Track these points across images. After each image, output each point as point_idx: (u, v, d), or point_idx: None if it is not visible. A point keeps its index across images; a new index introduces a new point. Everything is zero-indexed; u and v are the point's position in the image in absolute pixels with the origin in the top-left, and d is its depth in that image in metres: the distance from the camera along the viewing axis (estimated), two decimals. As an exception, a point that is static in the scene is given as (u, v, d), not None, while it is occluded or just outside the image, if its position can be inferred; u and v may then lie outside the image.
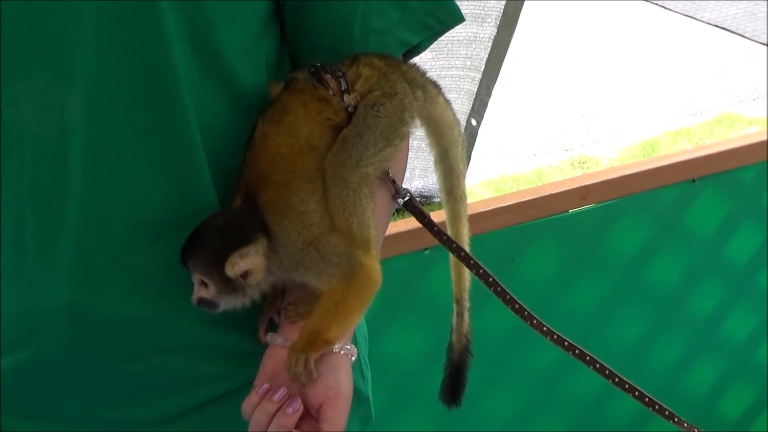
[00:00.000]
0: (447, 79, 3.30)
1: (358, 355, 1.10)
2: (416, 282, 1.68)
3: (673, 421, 1.03)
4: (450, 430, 1.82)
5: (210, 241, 0.89)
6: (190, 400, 1.01)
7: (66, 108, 0.88)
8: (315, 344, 0.92)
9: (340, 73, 0.94)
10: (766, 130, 2.14)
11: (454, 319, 1.08)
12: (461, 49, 3.27)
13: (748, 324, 2.18)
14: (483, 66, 3.31)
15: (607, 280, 1.95)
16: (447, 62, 3.29)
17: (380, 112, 0.94)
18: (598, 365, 1.00)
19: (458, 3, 1.03)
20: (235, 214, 0.92)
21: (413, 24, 1.00)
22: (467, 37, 3.23)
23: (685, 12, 6.07)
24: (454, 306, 1.08)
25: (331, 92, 0.94)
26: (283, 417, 0.90)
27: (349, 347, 0.95)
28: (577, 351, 1.00)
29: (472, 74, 3.36)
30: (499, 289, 1.00)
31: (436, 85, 1.01)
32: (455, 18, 1.03)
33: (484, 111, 3.47)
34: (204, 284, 0.90)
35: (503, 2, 3.10)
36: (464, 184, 1.06)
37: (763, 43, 5.58)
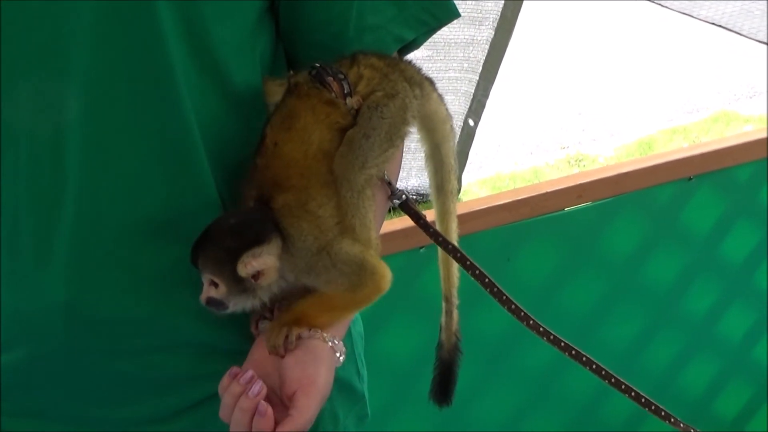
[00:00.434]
0: (444, 81, 3.30)
1: (355, 352, 1.10)
2: (412, 280, 1.67)
3: (670, 421, 1.03)
4: (446, 430, 1.81)
5: (222, 240, 0.88)
6: (185, 399, 1.01)
7: (62, 106, 0.88)
8: (300, 322, 0.92)
9: (342, 76, 0.94)
10: (762, 128, 2.13)
11: (443, 318, 1.08)
12: (458, 51, 3.27)
13: (745, 322, 2.18)
14: (480, 68, 3.31)
15: (604, 278, 1.95)
16: (444, 64, 3.29)
17: (384, 113, 0.94)
18: (594, 366, 1.00)
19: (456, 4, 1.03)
20: (249, 214, 0.91)
21: (408, 20, 1.00)
22: (465, 40, 3.23)
23: (681, 10, 6.07)
24: (443, 304, 1.08)
25: (334, 95, 0.93)
26: (245, 400, 0.88)
27: (337, 342, 0.94)
28: (573, 352, 1.00)
29: (470, 76, 3.36)
30: (495, 289, 1.00)
31: (431, 81, 1.01)
32: (450, 14, 1.02)
33: (482, 111, 3.47)
34: (214, 284, 0.89)
35: (501, 4, 3.10)
36: (455, 180, 1.05)
37: (759, 41, 5.59)
